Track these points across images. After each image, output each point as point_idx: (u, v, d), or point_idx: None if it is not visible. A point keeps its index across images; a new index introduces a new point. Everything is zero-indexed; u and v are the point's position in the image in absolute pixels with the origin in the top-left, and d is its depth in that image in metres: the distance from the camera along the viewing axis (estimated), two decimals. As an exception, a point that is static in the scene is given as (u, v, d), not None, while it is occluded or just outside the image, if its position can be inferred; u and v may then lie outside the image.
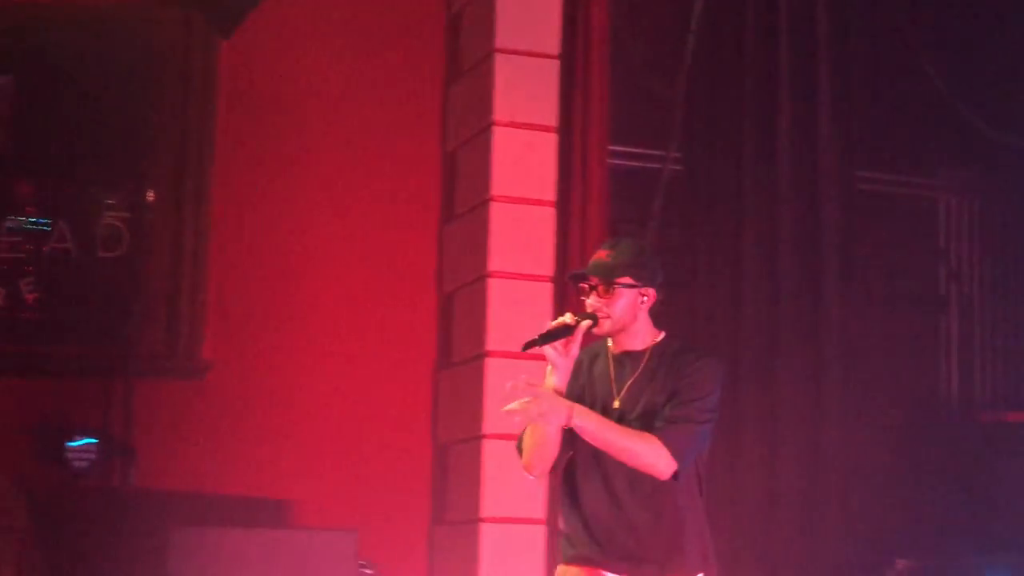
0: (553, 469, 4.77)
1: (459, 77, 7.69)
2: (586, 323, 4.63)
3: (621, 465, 4.59)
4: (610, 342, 4.78)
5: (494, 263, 7.21)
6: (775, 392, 8.14)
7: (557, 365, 4.60)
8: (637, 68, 8.07)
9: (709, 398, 4.69)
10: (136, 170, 7.47)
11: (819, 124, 8.41)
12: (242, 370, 7.37)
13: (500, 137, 7.28)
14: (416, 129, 7.77)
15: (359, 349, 7.52)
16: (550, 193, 7.35)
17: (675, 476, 4.56)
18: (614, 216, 7.59)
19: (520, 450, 4.72)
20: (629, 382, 4.75)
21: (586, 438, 4.54)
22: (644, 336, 4.78)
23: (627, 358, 4.76)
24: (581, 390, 4.76)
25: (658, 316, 4.73)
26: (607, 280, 4.67)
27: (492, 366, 7.13)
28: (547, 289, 7.28)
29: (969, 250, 9.41)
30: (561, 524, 4.78)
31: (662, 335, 4.78)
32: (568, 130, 7.40)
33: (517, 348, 6.73)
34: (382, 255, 7.65)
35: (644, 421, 4.64)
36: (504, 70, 7.32)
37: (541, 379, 4.43)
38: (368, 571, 6.66)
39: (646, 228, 7.99)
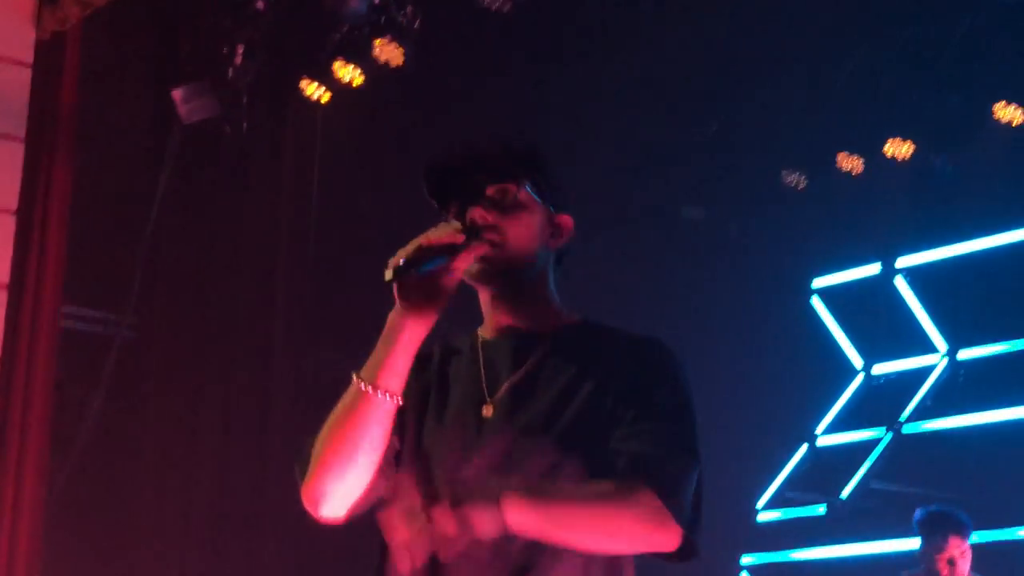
0: (362, 506, 2.95)
1: None
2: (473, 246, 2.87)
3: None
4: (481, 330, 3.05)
5: (-75, 419, 6.88)
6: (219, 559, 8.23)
7: (419, 319, 2.84)
8: (100, 231, 8.02)
9: (692, 414, 2.93)
10: None
11: (274, 304, 8.71)
12: None
13: None
14: None
15: None
16: None
17: (685, 551, 2.82)
18: (62, 378, 7.32)
19: (304, 465, 2.98)
20: (515, 377, 2.95)
21: (532, 534, 2.74)
22: (546, 310, 3.02)
23: (511, 342, 3.00)
24: (423, 393, 3.04)
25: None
26: (512, 173, 2.96)
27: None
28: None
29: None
30: None
31: (575, 317, 3.05)
32: (20, 287, 7.09)
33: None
34: None
35: (540, 443, 2.85)
36: None
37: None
38: None
39: (96, 390, 7.94)
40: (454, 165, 2.98)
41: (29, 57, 7.19)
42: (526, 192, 2.95)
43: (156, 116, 8.34)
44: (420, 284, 2.78)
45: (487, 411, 2.90)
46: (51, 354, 7.17)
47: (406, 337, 2.82)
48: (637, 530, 2.76)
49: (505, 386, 2.91)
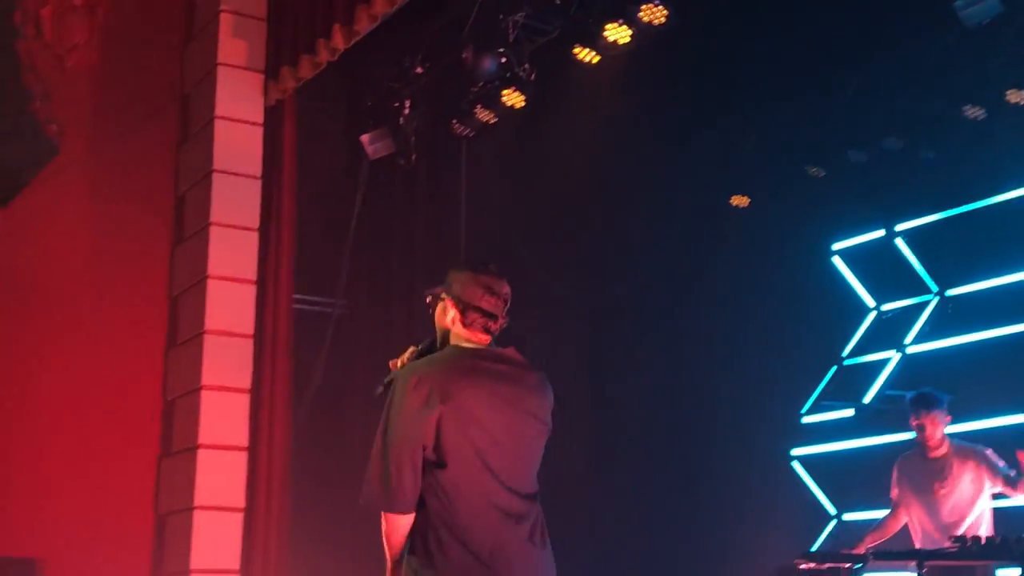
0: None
1: (182, 242, 7.67)
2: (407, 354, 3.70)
3: None
4: None
5: (206, 378, 7.19)
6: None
7: None
8: (316, 239, 8.24)
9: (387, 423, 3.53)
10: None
11: (438, 283, 8.82)
12: (2, 462, 7.15)
13: (213, 287, 7.28)
14: (148, 281, 7.67)
15: (99, 447, 7.36)
16: (249, 328, 7.35)
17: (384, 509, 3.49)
18: (296, 345, 7.61)
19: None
20: None
21: None
22: None
23: None
24: None
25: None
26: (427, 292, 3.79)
27: (203, 455, 7.09)
28: (244, 400, 7.25)
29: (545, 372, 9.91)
30: None
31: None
32: (263, 282, 7.46)
33: (222, 441, 6.59)
34: (119, 376, 7.53)
35: None
36: (217, 238, 7.33)
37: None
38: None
39: (318, 357, 8.20)
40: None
41: (260, 119, 7.52)
42: (435, 299, 3.72)
43: (350, 155, 8.48)
44: None
45: None
46: (288, 329, 7.49)
47: None
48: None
49: None
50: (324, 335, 8.14)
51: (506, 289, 3.72)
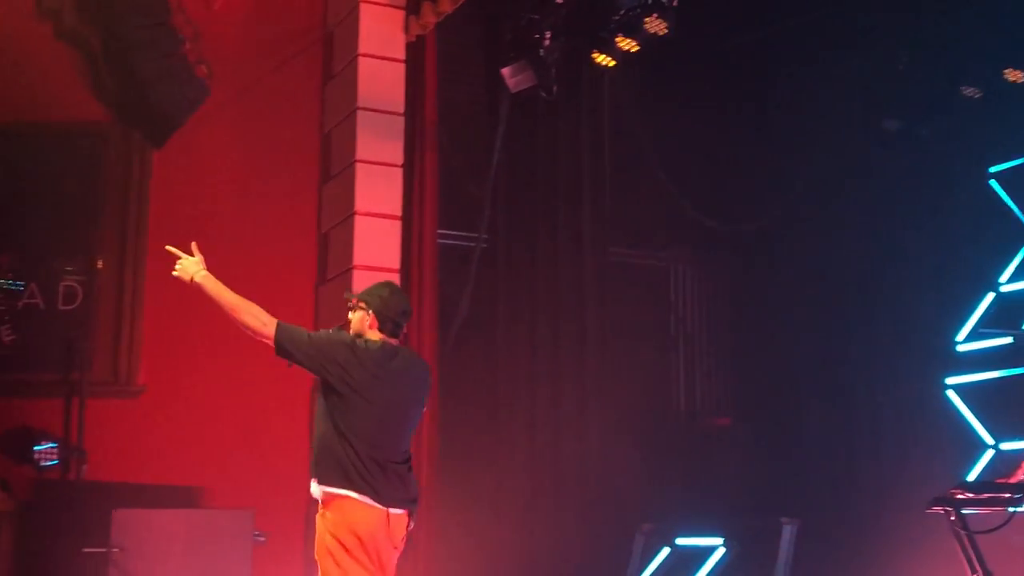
0: None
1: (329, 179, 7.78)
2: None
3: None
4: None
5: (357, 318, 7.33)
6: (555, 406, 8.55)
7: None
8: (459, 174, 8.33)
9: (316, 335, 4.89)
10: (89, 245, 7.48)
11: (582, 216, 8.85)
12: (167, 392, 7.38)
13: (360, 223, 7.38)
14: (297, 219, 7.81)
15: (255, 378, 7.43)
16: (395, 263, 7.44)
17: (277, 343, 4.80)
18: (441, 279, 7.74)
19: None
20: None
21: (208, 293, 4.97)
22: None
23: None
24: None
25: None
26: (350, 297, 5.09)
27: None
28: (393, 331, 7.40)
29: (690, 303, 9.90)
30: None
31: None
32: (408, 218, 7.54)
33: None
34: (272, 311, 7.60)
35: None
36: (363, 175, 7.43)
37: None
38: (261, 538, 6.74)
39: (464, 291, 8.28)
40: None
41: (401, 55, 7.58)
42: (358, 307, 4.99)
43: (490, 89, 8.49)
44: None
45: None
46: (433, 264, 7.62)
47: None
48: (250, 322, 4.87)
49: None
50: (468, 269, 8.18)
51: (411, 306, 5.14)
